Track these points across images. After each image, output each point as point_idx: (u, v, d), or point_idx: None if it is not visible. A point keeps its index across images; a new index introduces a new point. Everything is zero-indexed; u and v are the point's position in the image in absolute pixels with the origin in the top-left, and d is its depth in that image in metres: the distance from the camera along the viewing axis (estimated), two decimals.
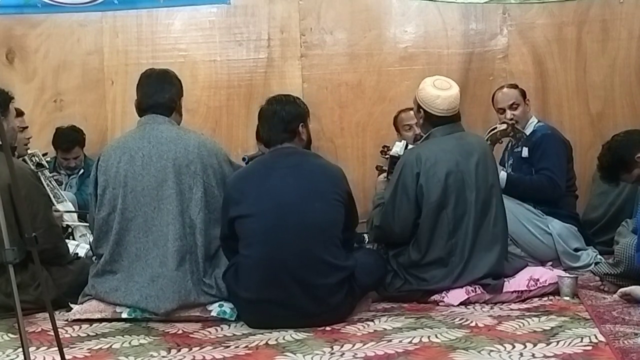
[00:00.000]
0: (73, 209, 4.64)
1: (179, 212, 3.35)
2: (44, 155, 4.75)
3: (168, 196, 3.36)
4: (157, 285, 3.31)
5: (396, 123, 4.99)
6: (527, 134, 4.45)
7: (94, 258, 3.58)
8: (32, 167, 4.38)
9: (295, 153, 3.34)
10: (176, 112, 3.58)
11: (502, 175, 4.22)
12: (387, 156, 4.49)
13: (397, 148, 4.28)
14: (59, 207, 4.46)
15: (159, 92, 3.51)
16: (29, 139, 4.64)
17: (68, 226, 4.51)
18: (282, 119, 3.33)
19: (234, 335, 3.09)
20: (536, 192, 4.35)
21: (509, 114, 4.50)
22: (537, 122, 4.58)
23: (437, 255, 3.56)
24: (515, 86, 4.67)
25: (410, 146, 4.24)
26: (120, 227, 3.38)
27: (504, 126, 4.26)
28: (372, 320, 3.22)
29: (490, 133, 4.25)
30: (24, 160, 4.41)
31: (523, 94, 4.59)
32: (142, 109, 3.55)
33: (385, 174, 4.18)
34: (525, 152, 4.45)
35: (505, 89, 4.64)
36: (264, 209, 3.17)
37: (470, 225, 3.55)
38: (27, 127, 4.68)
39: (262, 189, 3.22)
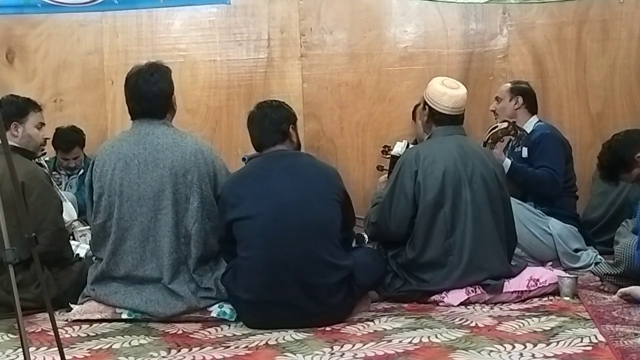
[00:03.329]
0: (73, 209, 4.64)
1: (174, 223, 3.33)
2: (43, 154, 4.74)
3: (165, 207, 3.33)
4: (157, 293, 3.31)
5: (415, 112, 5.02)
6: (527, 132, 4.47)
7: (93, 258, 3.57)
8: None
9: (289, 154, 3.35)
10: (170, 112, 3.49)
11: (506, 162, 4.25)
12: (388, 156, 4.50)
13: (398, 148, 4.29)
14: None
15: (149, 101, 3.39)
16: (46, 139, 4.60)
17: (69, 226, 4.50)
18: (273, 121, 3.35)
19: (234, 335, 3.09)
20: (536, 185, 4.36)
21: (492, 105, 4.68)
22: (537, 122, 4.58)
23: (434, 254, 3.56)
24: (514, 82, 4.75)
25: (411, 146, 4.24)
26: (116, 237, 3.36)
27: (505, 124, 4.27)
28: (372, 321, 3.22)
29: (492, 132, 4.26)
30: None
31: (514, 90, 4.60)
32: (132, 113, 3.46)
33: (386, 175, 4.19)
34: (525, 152, 4.46)
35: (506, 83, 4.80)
36: (262, 210, 3.17)
37: (467, 225, 3.55)
38: (44, 124, 4.66)
39: (259, 190, 3.22)
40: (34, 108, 3.76)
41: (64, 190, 5.18)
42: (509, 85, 4.68)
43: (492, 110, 4.67)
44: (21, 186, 3.00)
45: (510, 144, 4.65)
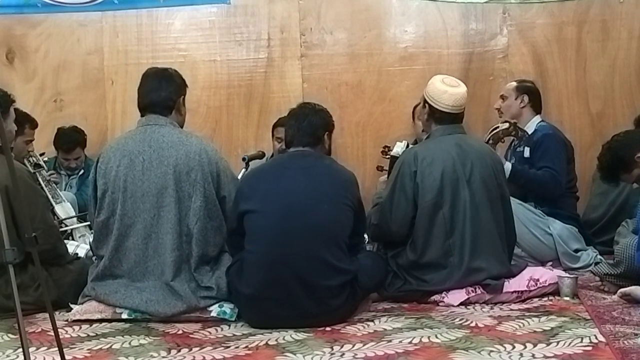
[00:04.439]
0: (72, 209, 4.64)
1: (177, 220, 3.34)
2: (41, 155, 4.75)
3: (167, 204, 3.34)
4: (158, 292, 3.31)
5: (414, 112, 5.02)
6: (529, 132, 4.46)
7: (94, 258, 3.57)
8: (30, 168, 4.40)
9: (310, 155, 3.37)
10: (176, 112, 3.52)
11: (507, 165, 4.25)
12: (388, 156, 4.49)
13: (398, 148, 4.28)
14: (57, 208, 4.47)
15: (155, 91, 3.47)
16: (29, 151, 4.64)
17: (67, 226, 4.51)
18: (312, 123, 3.40)
19: (234, 335, 3.09)
20: (538, 187, 4.36)
21: (497, 103, 4.66)
22: (540, 122, 4.57)
23: (435, 255, 3.56)
24: (519, 80, 4.74)
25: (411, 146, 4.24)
26: (119, 233, 3.36)
27: (506, 125, 4.28)
28: (372, 321, 3.22)
29: (493, 132, 4.26)
30: (21, 161, 4.41)
31: (520, 89, 4.59)
32: (141, 108, 3.53)
33: (386, 175, 4.19)
34: (527, 152, 4.46)
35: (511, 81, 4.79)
36: (271, 207, 3.19)
37: (467, 225, 3.55)
38: (32, 141, 4.70)
39: (272, 186, 3.24)
40: (11, 100, 3.66)
41: (64, 190, 5.18)
42: (514, 83, 4.68)
43: (497, 109, 4.66)
44: (5, 189, 2.98)
45: (512, 144, 4.65)
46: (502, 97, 4.65)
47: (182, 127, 3.59)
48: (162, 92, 3.47)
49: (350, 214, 3.26)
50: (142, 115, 3.53)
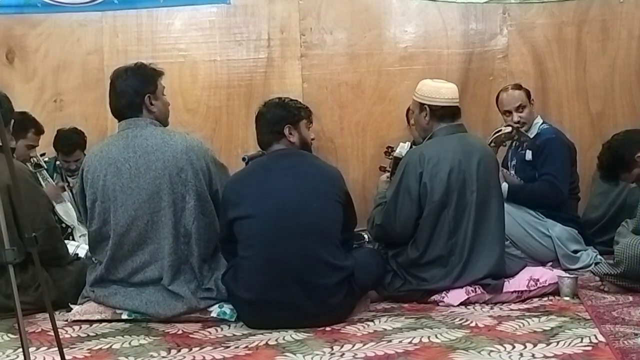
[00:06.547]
0: (72, 210, 4.64)
1: (173, 224, 3.32)
2: (42, 155, 4.74)
3: (162, 209, 3.32)
4: (158, 294, 3.31)
5: (408, 115, 4.96)
6: (532, 135, 4.44)
7: (93, 259, 3.56)
8: (31, 168, 4.40)
9: (293, 154, 3.35)
10: (145, 109, 3.41)
11: (504, 186, 4.20)
12: (391, 157, 4.49)
13: (402, 149, 4.28)
14: (58, 207, 4.46)
15: (117, 97, 3.41)
16: (32, 157, 4.63)
17: (68, 226, 4.51)
18: (267, 120, 3.37)
19: (234, 335, 3.09)
20: (539, 200, 4.34)
21: (515, 116, 4.47)
22: (542, 124, 4.54)
23: (437, 254, 3.56)
24: (519, 87, 4.63)
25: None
26: (113, 242, 3.34)
27: (509, 129, 4.24)
28: (372, 321, 3.22)
29: (495, 135, 4.23)
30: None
31: (528, 94, 4.56)
32: (113, 114, 3.51)
33: (387, 174, 4.18)
34: (528, 154, 4.43)
35: (510, 90, 4.58)
36: (263, 210, 3.17)
37: (470, 225, 3.56)
38: (36, 146, 4.70)
39: (261, 190, 3.22)
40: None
41: None
42: (521, 92, 4.53)
43: (518, 124, 4.39)
44: (7, 188, 2.98)
45: (513, 145, 4.61)
46: (519, 109, 4.46)
47: (166, 118, 3.52)
48: (122, 98, 3.40)
49: (340, 210, 3.26)
50: (117, 119, 3.49)
